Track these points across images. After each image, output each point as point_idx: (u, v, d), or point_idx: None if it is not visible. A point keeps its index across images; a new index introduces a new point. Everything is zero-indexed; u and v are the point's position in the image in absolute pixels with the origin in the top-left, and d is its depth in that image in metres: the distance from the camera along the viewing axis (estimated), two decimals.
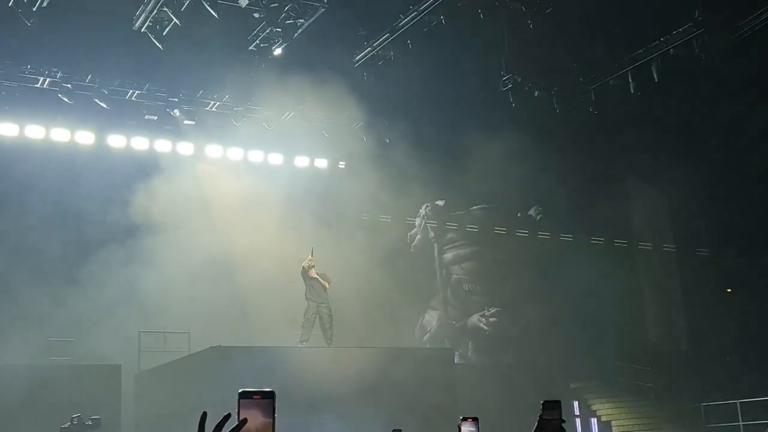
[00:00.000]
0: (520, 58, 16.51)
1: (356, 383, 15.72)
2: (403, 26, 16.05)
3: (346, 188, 18.57)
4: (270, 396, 2.90)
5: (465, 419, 4.60)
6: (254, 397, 2.89)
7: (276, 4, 14.79)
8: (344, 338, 16.88)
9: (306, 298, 16.43)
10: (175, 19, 14.47)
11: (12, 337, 14.70)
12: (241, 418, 2.85)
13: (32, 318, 15.34)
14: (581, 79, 17.82)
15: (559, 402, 4.32)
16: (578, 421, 19.67)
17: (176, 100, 17.99)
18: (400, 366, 15.97)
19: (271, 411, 2.88)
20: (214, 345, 15.49)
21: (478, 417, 4.62)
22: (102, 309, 16.01)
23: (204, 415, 2.81)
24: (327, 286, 16.54)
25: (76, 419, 7.24)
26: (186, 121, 18.06)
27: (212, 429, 2.84)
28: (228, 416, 2.83)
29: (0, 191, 16.46)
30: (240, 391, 2.89)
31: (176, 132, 18.28)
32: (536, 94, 17.37)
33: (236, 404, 2.72)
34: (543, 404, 4.46)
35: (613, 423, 20.17)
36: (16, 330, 14.91)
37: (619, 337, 20.48)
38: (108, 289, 16.14)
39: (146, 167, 17.47)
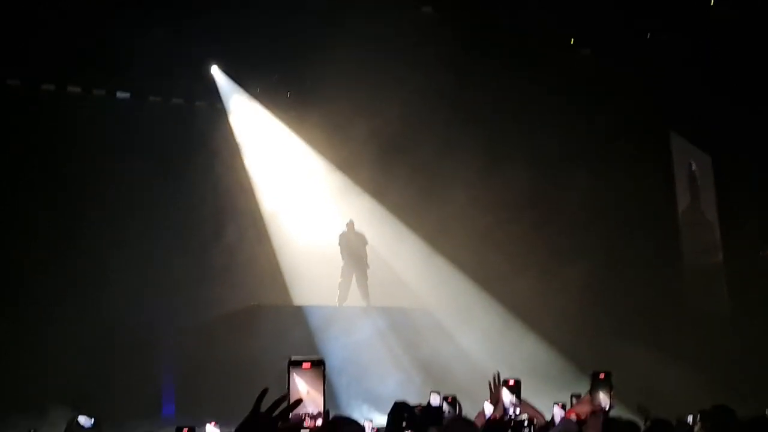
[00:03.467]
0: None
1: (399, 343, 15.83)
2: None
3: None
4: (320, 364, 2.84)
5: (506, 382, 4.52)
6: (304, 365, 2.83)
7: None
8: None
9: (342, 258, 16.56)
10: None
11: None
12: (291, 387, 2.80)
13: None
14: None
15: None
16: None
17: None
18: None
19: (321, 379, 2.82)
20: (253, 303, 15.61)
21: (521, 380, 4.55)
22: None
23: (264, 392, 2.76)
24: (366, 243, 16.70)
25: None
26: None
27: (262, 406, 2.77)
28: (265, 391, 2.76)
29: None
30: (290, 359, 2.82)
31: None
32: None
33: (274, 364, 2.63)
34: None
35: None
36: None
37: None
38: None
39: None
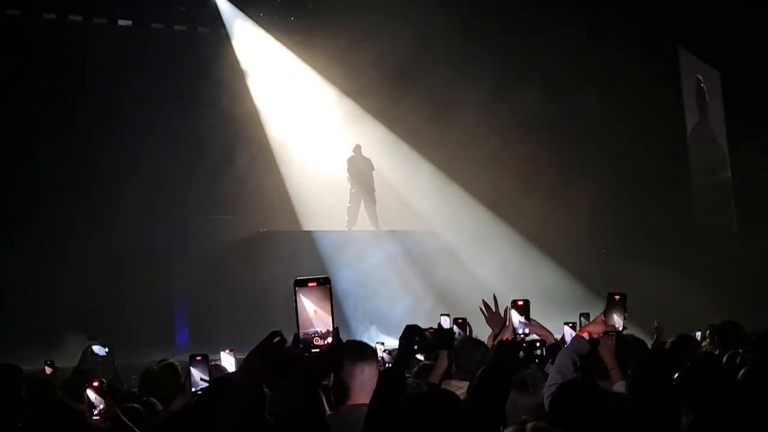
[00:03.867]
0: None
1: (408, 267, 15.93)
2: None
3: None
4: (326, 282, 2.85)
5: (515, 302, 4.55)
6: (309, 284, 2.84)
7: None
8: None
9: (349, 182, 16.57)
10: None
11: None
12: (297, 307, 2.81)
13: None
14: None
15: None
16: None
17: None
18: None
19: (328, 297, 2.84)
20: (262, 230, 15.66)
21: (529, 300, 4.56)
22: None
23: (273, 335, 2.81)
24: (373, 168, 16.70)
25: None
26: None
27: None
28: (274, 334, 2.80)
29: None
30: (295, 279, 2.84)
31: None
32: None
33: (285, 290, 2.65)
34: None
35: None
36: None
37: None
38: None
39: None
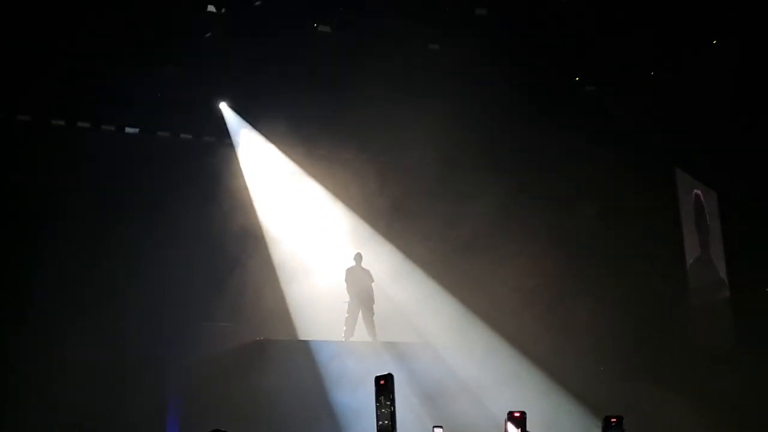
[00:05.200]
0: None
1: (405, 378, 15.79)
2: None
3: None
4: None
5: (511, 414, 4.55)
6: None
7: None
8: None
9: (348, 293, 16.61)
10: None
11: None
12: None
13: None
14: None
15: None
16: None
17: None
18: None
19: None
20: (259, 338, 15.62)
21: (525, 412, 4.57)
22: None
23: None
24: (372, 280, 16.75)
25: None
26: None
27: None
28: None
29: None
30: None
31: None
32: None
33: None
34: None
35: None
36: None
37: None
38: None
39: None
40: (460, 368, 16.27)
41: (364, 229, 17.70)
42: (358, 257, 16.81)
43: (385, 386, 3.45)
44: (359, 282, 16.70)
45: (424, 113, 15.82)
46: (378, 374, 3.42)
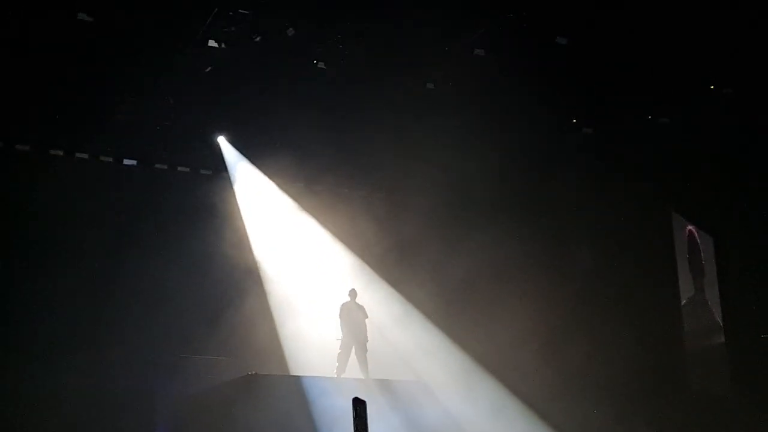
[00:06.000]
0: None
1: (397, 417, 15.72)
2: None
3: None
4: None
5: None
6: None
7: None
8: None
9: (341, 329, 16.57)
10: None
11: None
12: None
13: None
14: None
15: None
16: None
17: None
18: None
19: None
20: (251, 372, 15.57)
21: None
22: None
23: None
24: (366, 316, 16.70)
25: None
26: None
27: None
28: None
29: None
30: None
31: None
32: None
33: None
34: None
35: None
36: None
37: None
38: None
39: None
40: (453, 407, 16.20)
41: (359, 266, 17.76)
42: (353, 293, 16.78)
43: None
44: (353, 318, 16.64)
45: (423, 151, 15.94)
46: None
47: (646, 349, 18.32)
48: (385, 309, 17.43)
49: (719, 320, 19.31)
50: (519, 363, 16.35)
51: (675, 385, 18.52)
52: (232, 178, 17.51)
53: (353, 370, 16.54)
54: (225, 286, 16.62)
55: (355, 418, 3.54)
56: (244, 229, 17.46)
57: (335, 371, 16.39)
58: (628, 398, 17.55)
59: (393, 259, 16.99)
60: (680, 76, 16.05)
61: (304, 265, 17.95)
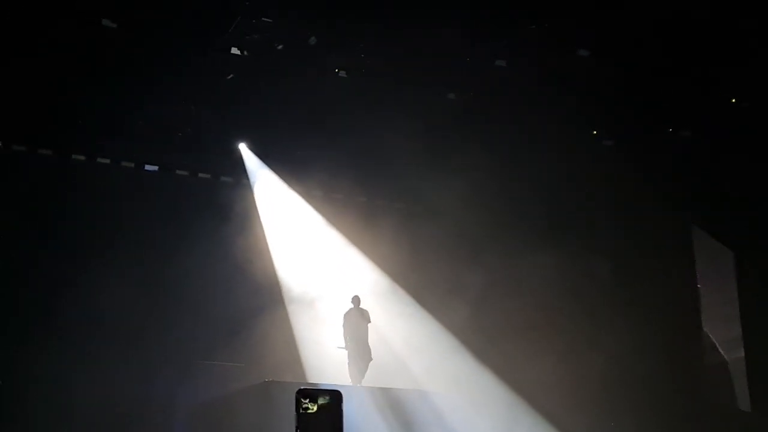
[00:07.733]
0: None
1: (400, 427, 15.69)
2: None
3: None
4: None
5: None
6: None
7: None
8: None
9: (344, 338, 16.60)
10: None
11: None
12: None
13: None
14: None
15: None
16: None
17: None
18: None
19: None
20: (268, 379, 15.61)
21: None
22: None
23: None
24: (369, 321, 16.73)
25: None
26: None
27: None
28: None
29: None
30: None
31: None
32: None
33: None
34: None
35: None
36: None
37: None
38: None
39: None
40: (470, 418, 16.16)
41: (378, 276, 17.75)
42: (356, 300, 16.79)
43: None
44: (353, 324, 16.67)
45: (443, 162, 15.94)
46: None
47: (666, 363, 18.22)
48: (399, 316, 17.46)
49: (739, 335, 19.19)
50: (537, 375, 16.27)
51: (694, 398, 18.40)
52: (252, 186, 17.57)
53: (371, 379, 16.56)
54: (244, 292, 16.63)
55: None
56: (264, 236, 17.50)
57: (350, 378, 16.42)
58: (646, 411, 17.45)
59: (409, 267, 16.94)
60: (701, 89, 16.00)
61: (323, 273, 17.96)
